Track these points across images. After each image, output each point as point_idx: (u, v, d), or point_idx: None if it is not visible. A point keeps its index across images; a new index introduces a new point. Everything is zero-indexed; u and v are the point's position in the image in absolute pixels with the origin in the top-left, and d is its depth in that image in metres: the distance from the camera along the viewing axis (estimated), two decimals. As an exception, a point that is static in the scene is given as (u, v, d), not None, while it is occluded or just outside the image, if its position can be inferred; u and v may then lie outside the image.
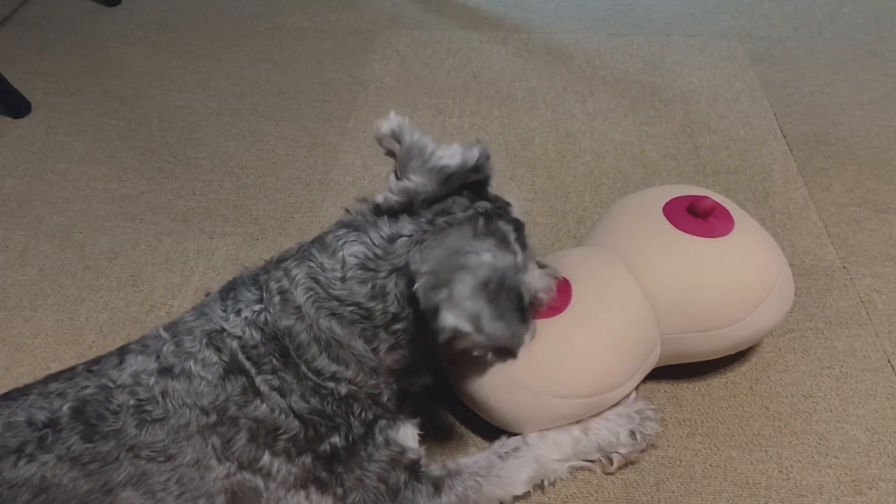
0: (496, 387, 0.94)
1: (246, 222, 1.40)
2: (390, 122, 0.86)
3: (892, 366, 1.11)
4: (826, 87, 1.74)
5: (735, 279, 0.98)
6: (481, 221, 0.83)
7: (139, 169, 1.55)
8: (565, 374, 0.94)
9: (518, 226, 0.88)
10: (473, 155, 0.85)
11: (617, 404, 0.98)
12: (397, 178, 0.85)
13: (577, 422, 0.97)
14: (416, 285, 0.77)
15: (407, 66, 1.86)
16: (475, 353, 0.80)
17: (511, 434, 0.97)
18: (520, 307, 0.81)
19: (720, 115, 1.65)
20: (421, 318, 0.79)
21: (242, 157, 1.57)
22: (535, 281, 0.88)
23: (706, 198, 1.00)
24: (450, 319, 0.74)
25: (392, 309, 0.82)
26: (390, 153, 0.87)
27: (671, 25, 2.00)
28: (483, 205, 0.86)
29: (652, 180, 1.48)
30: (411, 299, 0.80)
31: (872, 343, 1.14)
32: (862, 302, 1.21)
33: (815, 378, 1.09)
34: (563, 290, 0.97)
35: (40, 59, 1.92)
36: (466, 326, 0.74)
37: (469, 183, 0.86)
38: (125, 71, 1.88)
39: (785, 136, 1.58)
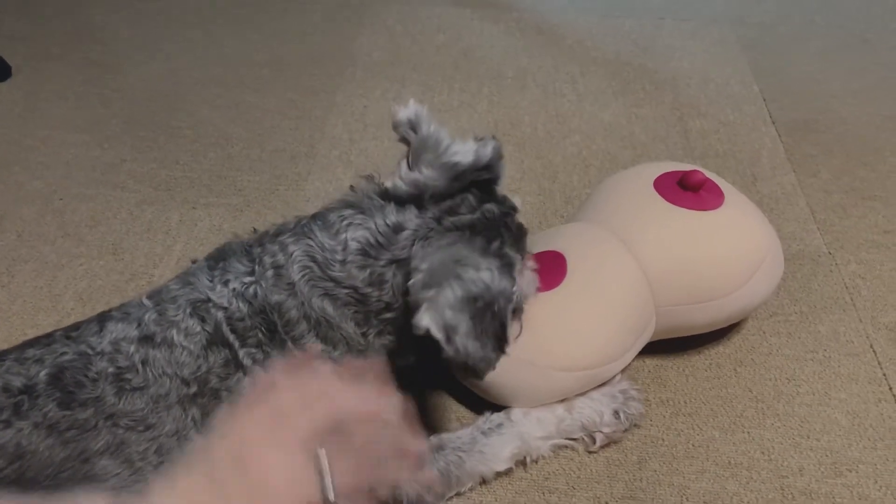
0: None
1: (230, 193, 1.38)
2: (408, 110, 0.83)
3: (874, 351, 1.11)
4: (816, 74, 1.74)
5: (728, 250, 0.98)
6: (496, 245, 0.80)
7: (121, 137, 1.52)
8: (565, 348, 0.94)
9: (521, 234, 0.86)
10: (486, 153, 0.83)
11: (604, 383, 0.98)
12: (409, 166, 0.82)
13: (562, 401, 0.97)
14: (411, 280, 0.76)
15: (396, 41, 1.84)
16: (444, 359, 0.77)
17: (496, 410, 0.97)
18: (499, 334, 0.78)
19: (710, 99, 1.65)
20: (409, 311, 0.77)
21: (227, 127, 1.55)
22: (526, 285, 0.87)
23: (696, 171, 1.00)
24: (424, 320, 0.73)
25: (386, 298, 0.80)
26: (404, 140, 0.84)
27: (664, 9, 1.99)
28: (490, 209, 0.83)
29: (641, 162, 1.46)
30: (405, 292, 0.78)
31: (855, 328, 1.15)
32: (846, 287, 1.21)
33: (798, 361, 1.10)
34: (559, 264, 0.97)
35: (21, 22, 1.87)
36: (438, 333, 0.73)
37: (478, 180, 0.84)
38: (109, 38, 1.84)
39: (774, 122, 1.58)
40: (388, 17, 1.93)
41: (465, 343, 0.74)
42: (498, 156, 0.84)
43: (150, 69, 1.73)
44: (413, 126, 0.83)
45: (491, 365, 0.78)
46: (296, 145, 1.50)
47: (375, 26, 1.89)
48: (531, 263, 0.90)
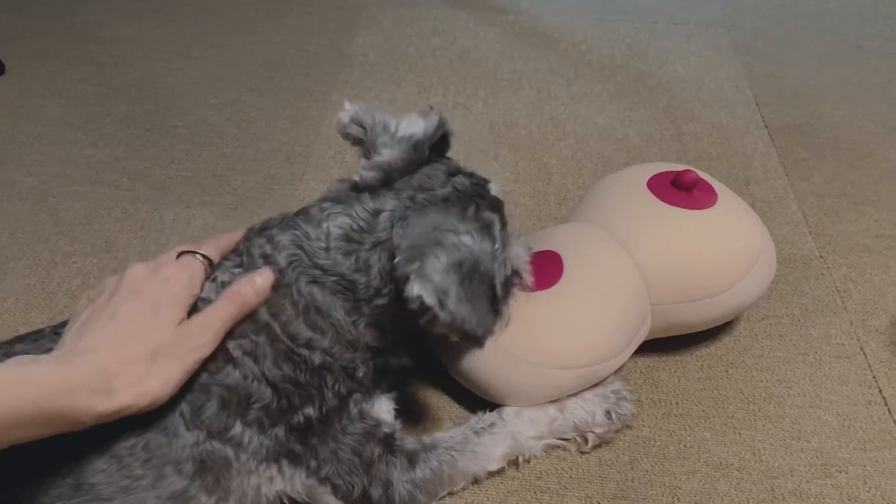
0: (495, 363, 0.94)
1: (224, 192, 1.38)
2: (348, 111, 0.88)
3: (864, 353, 1.12)
4: (810, 79, 1.75)
5: (723, 248, 0.99)
6: (471, 209, 0.82)
7: (116, 136, 1.52)
8: (564, 345, 0.94)
9: (497, 204, 0.88)
10: (434, 120, 0.88)
11: (597, 384, 0.99)
12: (367, 157, 0.87)
13: (555, 401, 0.97)
14: (396, 259, 0.78)
15: (392, 42, 1.84)
16: (442, 332, 0.79)
17: (488, 409, 0.97)
18: (491, 296, 0.80)
19: (704, 103, 1.66)
20: (400, 295, 0.79)
21: (222, 127, 1.55)
22: (516, 256, 0.88)
23: (690, 171, 1.01)
24: (415, 289, 0.74)
25: (374, 283, 0.81)
26: (356, 141, 0.88)
27: (658, 12, 2.00)
28: (461, 181, 0.86)
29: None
30: (392, 275, 0.80)
31: (846, 331, 1.15)
32: (837, 291, 1.22)
33: (789, 364, 1.10)
34: (555, 263, 0.97)
35: (17, 20, 1.87)
36: (431, 299, 0.74)
37: (433, 146, 0.88)
38: (105, 37, 1.84)
39: (767, 126, 1.59)
40: (385, 19, 1.93)
41: (459, 308, 0.75)
42: (443, 119, 0.89)
43: (146, 68, 1.73)
44: (358, 122, 0.87)
45: (489, 329, 0.80)
46: (291, 145, 1.50)
47: (371, 28, 1.90)
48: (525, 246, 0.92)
